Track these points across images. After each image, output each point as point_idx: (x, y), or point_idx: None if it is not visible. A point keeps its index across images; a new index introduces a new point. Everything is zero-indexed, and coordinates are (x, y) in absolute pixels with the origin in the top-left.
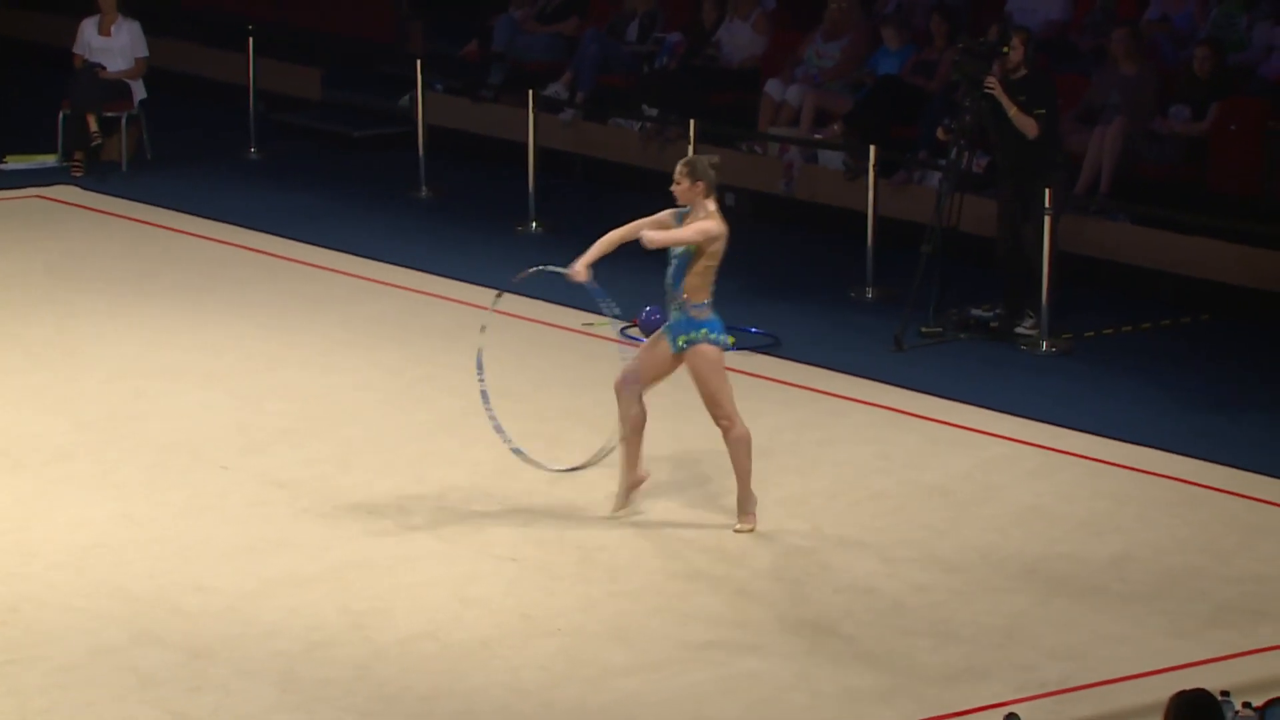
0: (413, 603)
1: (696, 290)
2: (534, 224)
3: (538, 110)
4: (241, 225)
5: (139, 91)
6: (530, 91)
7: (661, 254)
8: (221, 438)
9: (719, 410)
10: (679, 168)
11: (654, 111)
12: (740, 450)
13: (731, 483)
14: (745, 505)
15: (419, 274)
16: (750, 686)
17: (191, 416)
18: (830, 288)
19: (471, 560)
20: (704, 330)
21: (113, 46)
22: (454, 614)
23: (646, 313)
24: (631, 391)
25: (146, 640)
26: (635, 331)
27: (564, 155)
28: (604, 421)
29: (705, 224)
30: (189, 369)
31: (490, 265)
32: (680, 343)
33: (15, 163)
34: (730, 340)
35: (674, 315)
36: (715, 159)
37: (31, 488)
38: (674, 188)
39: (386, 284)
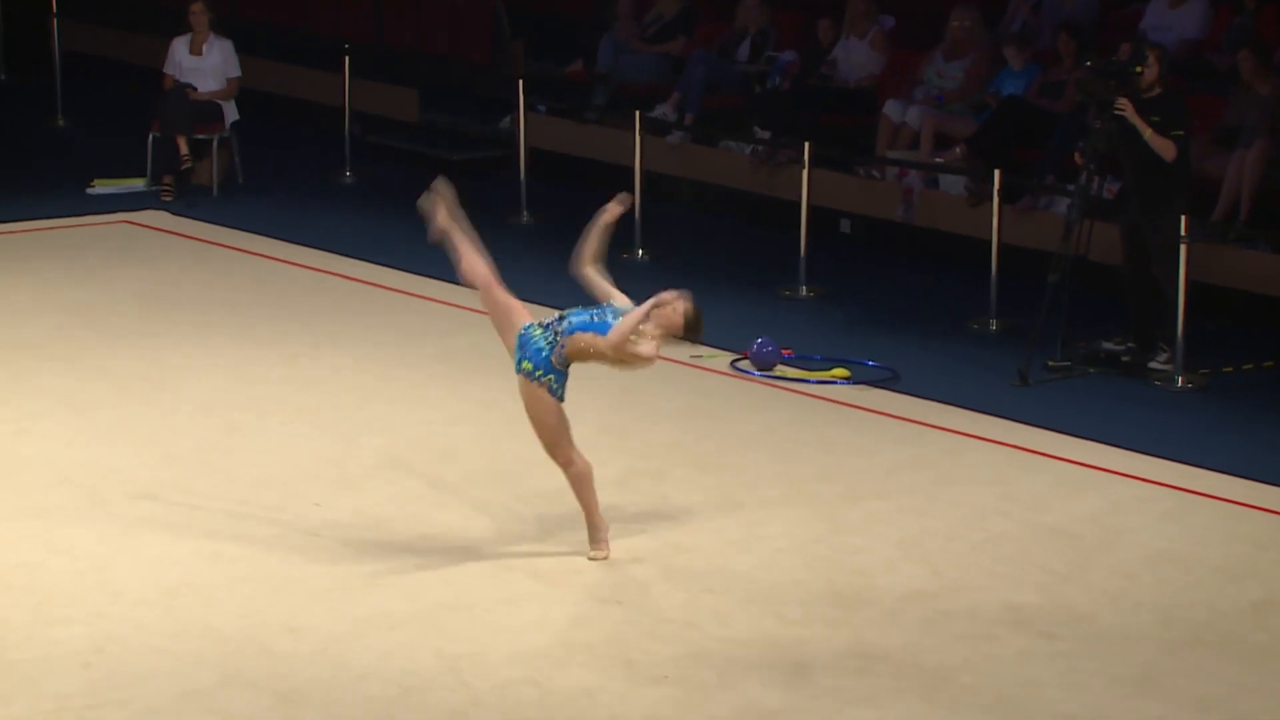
0: (511, 647)
1: (576, 351)
2: (640, 251)
3: (644, 133)
4: (335, 252)
5: (231, 113)
6: (636, 113)
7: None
8: (313, 473)
9: (552, 452)
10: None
11: (766, 134)
12: (578, 485)
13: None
14: (597, 533)
15: (523, 303)
16: None
17: (282, 451)
18: (951, 319)
19: (573, 603)
20: (550, 377)
21: (204, 66)
22: (555, 659)
23: (758, 344)
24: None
25: (236, 683)
26: (746, 364)
27: (671, 179)
28: (709, 457)
29: (648, 350)
30: (280, 402)
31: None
32: (528, 366)
33: (103, 187)
34: (560, 402)
35: (539, 339)
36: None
37: (118, 524)
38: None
39: (484, 313)
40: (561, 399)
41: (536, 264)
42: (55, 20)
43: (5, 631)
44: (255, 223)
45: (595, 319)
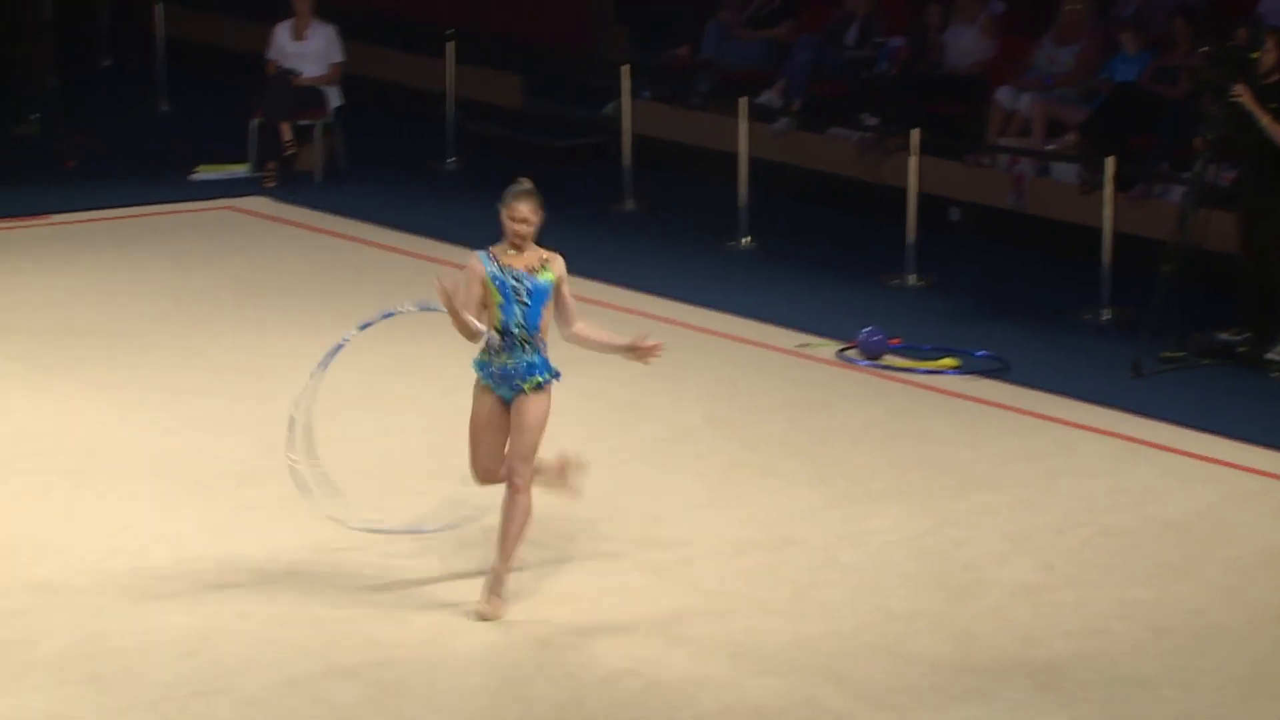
0: (617, 638)
1: (547, 328)
2: (745, 239)
3: (749, 119)
4: (436, 239)
5: (334, 98)
6: (742, 100)
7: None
8: (414, 462)
9: (525, 465)
10: (531, 205)
11: (874, 120)
12: (522, 519)
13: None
14: (498, 585)
15: (622, 290)
16: None
17: (383, 440)
18: (1062, 309)
19: (680, 595)
20: (549, 373)
21: (307, 51)
22: (661, 651)
23: (866, 334)
24: (497, 480)
25: (338, 672)
26: (853, 354)
27: (776, 166)
28: (816, 448)
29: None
30: (380, 390)
31: (698, 282)
32: (528, 387)
33: (206, 173)
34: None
35: (520, 359)
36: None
37: (220, 514)
38: (523, 227)
39: (588, 301)
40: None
41: (639, 251)
42: (160, 6)
43: (109, 620)
44: (357, 209)
45: (530, 304)
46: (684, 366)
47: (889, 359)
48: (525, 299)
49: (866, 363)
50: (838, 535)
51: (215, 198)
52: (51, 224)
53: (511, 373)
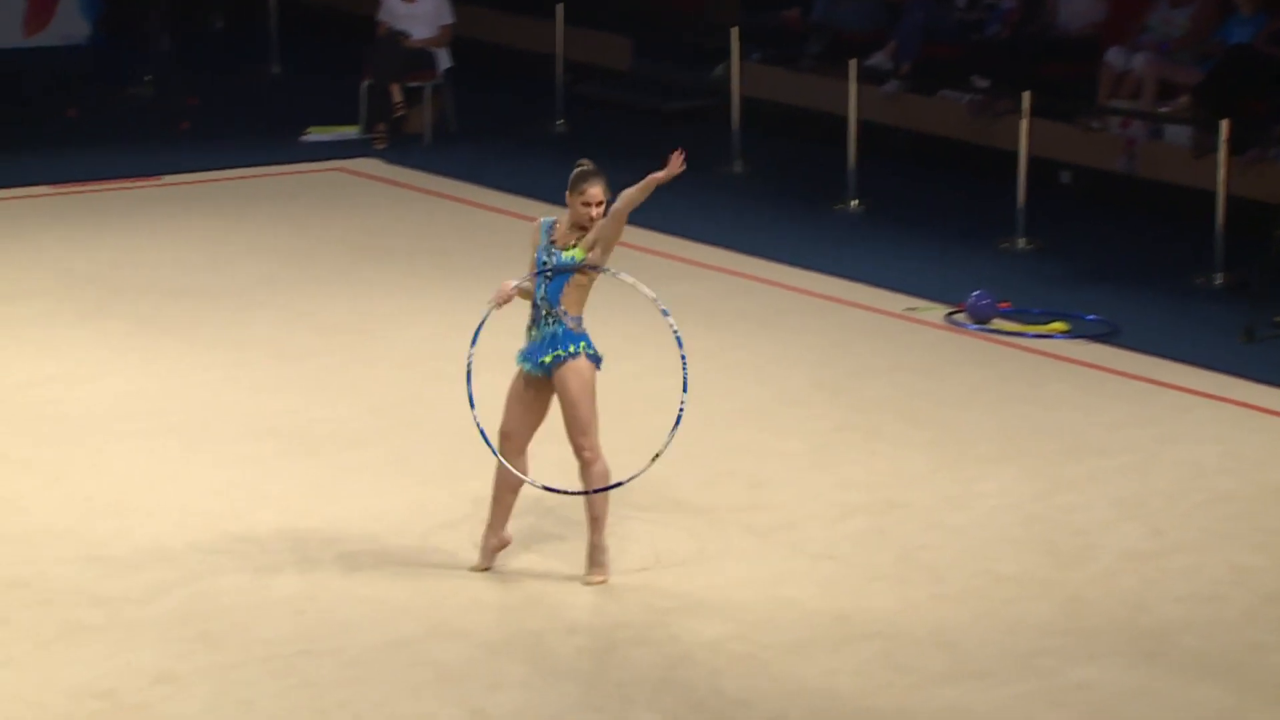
0: (722, 602)
1: (575, 302)
2: (853, 202)
3: (859, 82)
4: (546, 200)
5: (444, 60)
6: (852, 62)
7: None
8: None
9: (584, 438)
10: (603, 185)
11: (984, 83)
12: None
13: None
14: (597, 556)
15: (731, 254)
16: (1082, 698)
17: (487, 402)
18: (1174, 273)
19: (784, 558)
20: (582, 344)
21: (417, 13)
22: (766, 614)
23: (975, 297)
24: (511, 449)
25: (443, 632)
26: (961, 317)
27: (885, 129)
28: (923, 412)
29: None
30: (488, 353)
31: (807, 245)
32: (548, 360)
33: (317, 134)
34: (596, 370)
35: (544, 331)
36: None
37: (327, 474)
38: (598, 210)
39: (696, 263)
40: (599, 363)
41: (747, 214)
42: None
43: (219, 578)
44: (467, 171)
45: (553, 277)
46: (791, 330)
47: (998, 323)
48: (549, 275)
49: (975, 326)
50: (945, 499)
51: (326, 159)
52: (164, 185)
53: (538, 348)
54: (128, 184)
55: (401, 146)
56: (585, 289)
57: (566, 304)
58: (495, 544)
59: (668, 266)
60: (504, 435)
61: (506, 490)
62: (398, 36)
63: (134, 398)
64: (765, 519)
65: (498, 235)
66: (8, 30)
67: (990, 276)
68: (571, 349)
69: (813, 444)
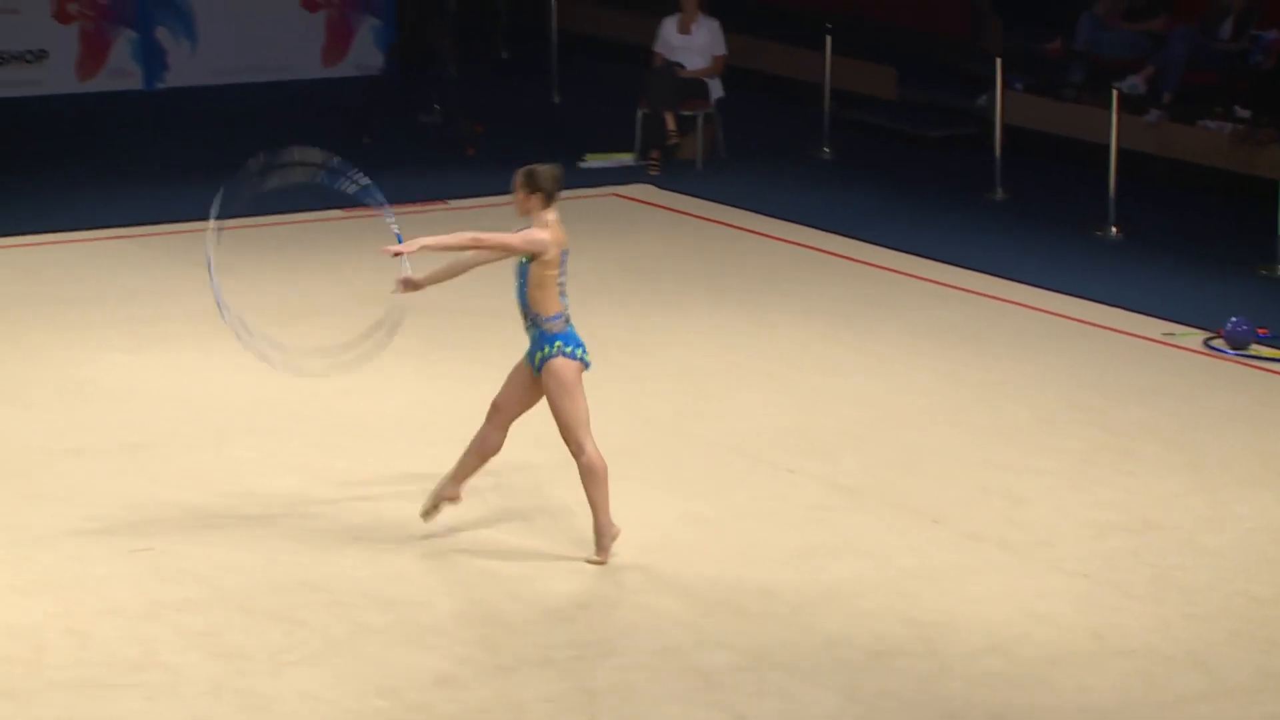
0: (979, 616)
1: (542, 303)
2: (1113, 229)
3: (1120, 110)
4: (812, 225)
5: (716, 90)
6: (1113, 91)
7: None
8: (784, 440)
9: (568, 434)
10: (517, 177)
11: (1246, 113)
12: (589, 480)
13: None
14: (601, 538)
15: (990, 278)
16: None
17: (754, 418)
18: None
19: (1040, 575)
20: (557, 344)
21: (692, 45)
22: (1022, 630)
23: (1233, 323)
24: (497, 420)
25: (710, 642)
26: (1219, 343)
27: (1145, 157)
28: (1180, 435)
29: (530, 232)
30: (752, 370)
31: (1066, 270)
32: (536, 360)
33: (594, 161)
34: (588, 358)
35: (530, 334)
36: (559, 170)
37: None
38: (511, 198)
39: (956, 288)
40: (586, 362)
41: (1007, 239)
42: (553, 1)
43: (497, 585)
44: (737, 196)
45: (518, 280)
46: (1049, 353)
47: (1256, 348)
48: (514, 276)
49: (1233, 352)
50: (1200, 520)
51: (602, 184)
52: (450, 209)
53: (530, 348)
54: (417, 208)
55: (674, 172)
56: (544, 289)
57: (534, 305)
58: (445, 494)
59: (928, 290)
60: (494, 406)
61: (474, 455)
62: (672, 67)
63: (420, 410)
64: (1022, 536)
65: (765, 257)
66: (308, 62)
67: (1248, 303)
68: (548, 350)
69: (1069, 464)
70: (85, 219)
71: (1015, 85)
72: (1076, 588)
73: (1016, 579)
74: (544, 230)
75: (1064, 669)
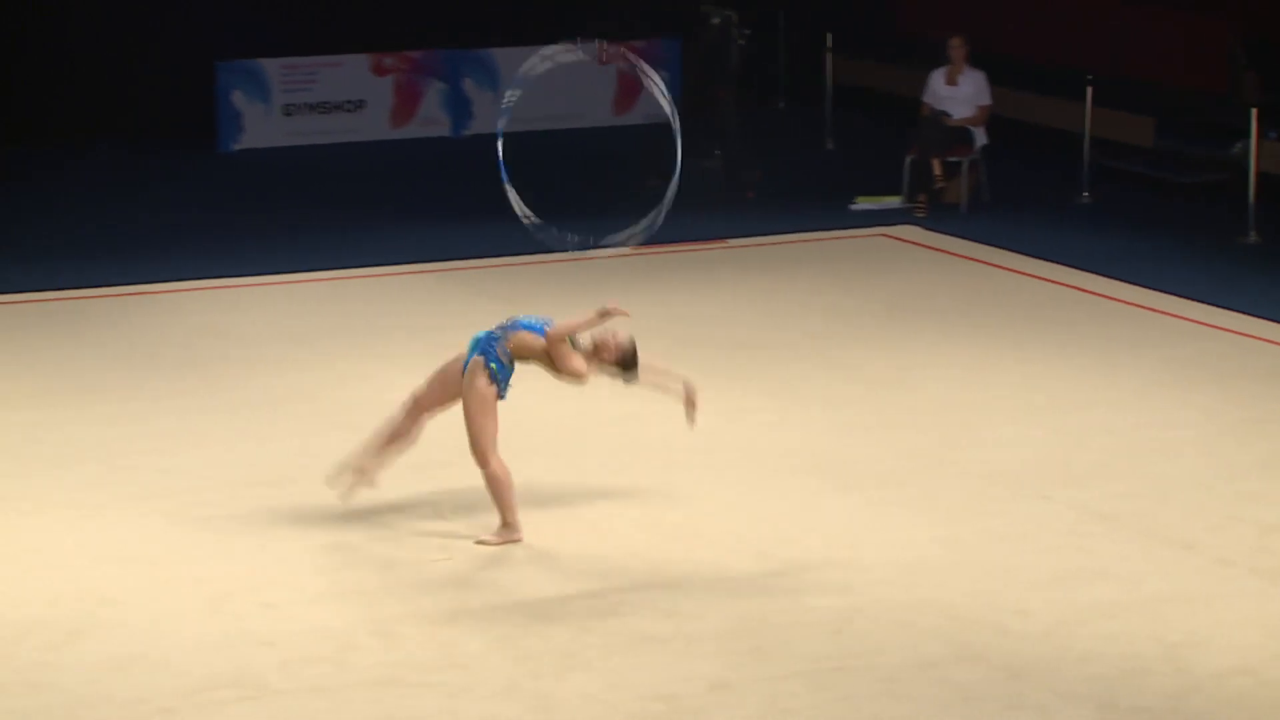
0: (1229, 638)
1: (516, 351)
2: (1252, 234)
3: None
4: (1070, 266)
5: (980, 138)
6: None
7: None
8: (1041, 469)
9: (475, 451)
10: (613, 355)
11: None
12: (496, 488)
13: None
14: (507, 532)
15: (1243, 316)
16: None
17: (1012, 449)
18: None
19: None
20: (494, 365)
21: (958, 95)
22: (1271, 652)
23: None
24: (415, 407)
25: (967, 657)
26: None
27: None
28: None
29: (579, 365)
30: (1010, 403)
31: None
32: (476, 356)
33: (865, 203)
34: (496, 393)
35: (488, 334)
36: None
37: (863, 509)
38: (595, 345)
39: (1208, 325)
40: (501, 394)
41: (1258, 282)
42: (829, 55)
43: (768, 598)
44: (999, 238)
45: (538, 321)
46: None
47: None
48: (525, 324)
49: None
50: None
51: (871, 226)
52: (729, 248)
53: (478, 338)
54: (699, 246)
55: (940, 215)
56: (524, 351)
57: (514, 339)
58: (361, 466)
59: (1180, 328)
60: (412, 396)
61: (391, 441)
62: (940, 116)
63: (696, 436)
64: (1272, 563)
65: (1025, 296)
66: (600, 110)
67: None
68: (485, 360)
69: None
70: (395, 254)
71: (1270, 135)
72: None
73: (1268, 604)
74: (585, 369)
75: None
